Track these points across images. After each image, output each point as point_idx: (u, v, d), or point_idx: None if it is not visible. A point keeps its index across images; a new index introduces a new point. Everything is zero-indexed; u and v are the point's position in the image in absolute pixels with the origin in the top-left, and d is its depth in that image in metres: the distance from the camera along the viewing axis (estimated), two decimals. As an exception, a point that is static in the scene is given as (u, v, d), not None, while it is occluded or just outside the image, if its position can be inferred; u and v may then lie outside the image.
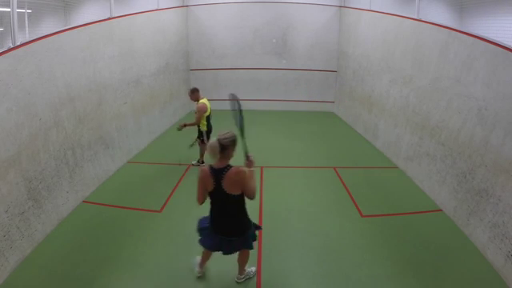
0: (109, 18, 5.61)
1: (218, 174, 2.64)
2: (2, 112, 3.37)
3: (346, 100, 9.39)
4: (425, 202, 4.84)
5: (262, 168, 5.92)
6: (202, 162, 6.00)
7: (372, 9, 7.69)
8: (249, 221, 2.90)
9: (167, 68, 8.29)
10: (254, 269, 3.32)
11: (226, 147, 2.63)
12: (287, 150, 6.92)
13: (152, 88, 7.41)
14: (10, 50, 3.52)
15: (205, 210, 4.61)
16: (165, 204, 4.71)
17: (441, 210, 4.61)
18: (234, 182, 2.62)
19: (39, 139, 3.92)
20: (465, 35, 4.47)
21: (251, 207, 4.63)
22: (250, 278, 3.29)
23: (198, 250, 3.71)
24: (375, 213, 4.56)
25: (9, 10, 3.66)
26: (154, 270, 3.40)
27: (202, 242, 3.04)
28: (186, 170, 5.88)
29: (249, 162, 2.78)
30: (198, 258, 3.32)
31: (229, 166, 2.66)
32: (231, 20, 9.82)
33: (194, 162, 6.07)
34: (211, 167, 2.67)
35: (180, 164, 5.91)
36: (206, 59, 10.13)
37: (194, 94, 5.62)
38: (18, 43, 3.66)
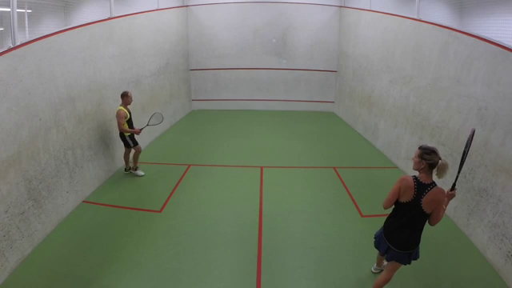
0: (109, 18, 5.62)
1: (422, 188, 2.55)
2: (2, 112, 3.37)
3: (345, 100, 9.39)
4: (425, 202, 4.84)
5: (261, 168, 5.92)
6: (136, 169, 5.71)
7: (372, 9, 7.70)
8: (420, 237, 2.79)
9: (167, 68, 8.29)
10: None
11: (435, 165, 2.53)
12: (287, 150, 6.92)
13: (152, 88, 7.41)
14: (9, 50, 3.52)
15: (204, 210, 4.63)
16: (165, 204, 4.71)
17: (441, 210, 4.61)
18: (433, 201, 2.54)
19: (39, 139, 3.92)
20: (465, 35, 4.47)
21: (251, 207, 4.66)
22: None
23: (198, 249, 3.72)
24: (375, 213, 4.56)
25: (9, 10, 3.66)
26: (155, 270, 3.40)
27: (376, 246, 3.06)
28: (186, 170, 5.87)
29: (451, 194, 2.64)
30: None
31: (434, 184, 2.57)
32: (231, 20, 9.82)
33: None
34: (417, 179, 2.58)
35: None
36: (206, 59, 10.13)
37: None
38: (18, 43, 3.66)
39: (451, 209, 4.43)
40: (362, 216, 4.49)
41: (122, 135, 5.43)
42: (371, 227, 4.22)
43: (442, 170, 2.49)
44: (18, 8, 3.80)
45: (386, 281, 2.89)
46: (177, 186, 5.27)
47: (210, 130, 8.36)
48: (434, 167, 2.51)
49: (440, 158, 2.51)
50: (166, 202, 4.78)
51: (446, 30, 4.88)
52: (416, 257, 2.86)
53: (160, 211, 4.54)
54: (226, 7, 9.74)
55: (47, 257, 3.56)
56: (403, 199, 2.62)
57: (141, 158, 5.83)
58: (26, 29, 5.03)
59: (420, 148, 2.60)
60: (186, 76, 9.97)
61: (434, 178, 2.58)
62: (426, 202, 2.53)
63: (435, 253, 3.73)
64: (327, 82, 10.23)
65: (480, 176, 3.96)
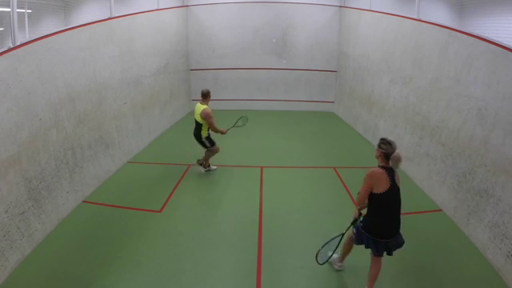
0: (109, 18, 5.61)
1: (390, 171, 2.87)
2: (2, 112, 3.37)
3: (345, 100, 9.39)
4: (425, 202, 4.84)
5: (262, 168, 5.92)
6: (208, 166, 5.75)
7: (372, 9, 7.69)
8: None
9: (167, 68, 8.29)
10: None
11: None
12: (287, 150, 6.92)
13: (152, 88, 7.41)
14: (10, 50, 3.52)
15: (204, 210, 4.62)
16: (165, 204, 4.71)
17: (441, 210, 4.61)
18: (398, 179, 2.92)
19: (39, 139, 3.92)
20: (465, 35, 4.47)
21: (251, 207, 4.66)
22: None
23: (198, 249, 3.72)
24: (375, 213, 4.56)
25: (9, 10, 3.66)
26: (154, 270, 3.40)
27: (359, 243, 3.10)
28: (186, 170, 5.87)
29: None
30: (335, 256, 3.40)
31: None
32: (231, 20, 9.82)
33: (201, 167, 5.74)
34: (383, 167, 2.87)
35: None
36: (206, 59, 10.12)
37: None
38: (18, 43, 3.66)
39: (451, 209, 4.44)
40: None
41: (201, 136, 5.36)
42: (371, 227, 4.23)
43: (395, 161, 2.83)
44: (18, 8, 3.80)
45: (379, 269, 3.04)
46: (177, 185, 5.27)
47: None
48: (389, 157, 2.84)
49: (394, 151, 2.83)
50: (166, 202, 4.77)
51: (446, 29, 4.88)
52: (402, 241, 3.01)
53: (160, 211, 4.54)
54: (226, 7, 9.74)
55: (47, 257, 3.56)
56: (380, 190, 2.82)
57: (141, 158, 5.82)
58: (26, 29, 5.03)
59: (380, 139, 2.95)
60: (186, 76, 9.97)
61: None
62: (397, 180, 2.90)
63: (435, 253, 3.73)
64: (327, 82, 10.22)
65: (480, 176, 3.96)
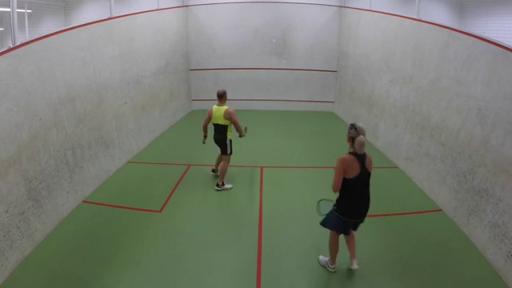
0: (109, 18, 5.61)
1: (362, 158, 3.08)
2: (2, 112, 3.37)
3: (345, 100, 9.39)
4: (425, 202, 4.84)
5: (262, 168, 5.92)
6: (222, 184, 5.26)
7: (372, 9, 7.69)
8: None
9: (167, 68, 8.29)
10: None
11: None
12: (287, 150, 6.92)
13: (152, 88, 7.41)
14: (9, 50, 3.52)
15: (204, 210, 4.62)
16: (165, 204, 4.71)
17: (441, 210, 4.61)
18: (370, 164, 3.14)
19: (39, 139, 3.92)
20: (465, 35, 4.47)
21: (251, 207, 4.66)
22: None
23: (198, 249, 3.72)
24: (375, 213, 4.54)
25: (9, 10, 3.66)
26: (154, 270, 3.40)
27: (338, 229, 3.31)
28: (186, 170, 5.87)
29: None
30: (323, 258, 3.53)
31: (365, 152, 3.13)
32: (231, 20, 9.82)
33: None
34: (353, 153, 3.07)
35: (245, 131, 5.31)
36: (206, 59, 10.13)
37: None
38: (18, 43, 3.66)
39: (451, 209, 4.44)
40: (362, 216, 4.49)
41: (226, 139, 5.13)
42: (371, 227, 4.23)
43: (358, 146, 3.03)
44: (18, 8, 3.80)
45: (354, 240, 3.41)
46: (177, 185, 5.27)
47: (210, 129, 8.32)
48: (361, 144, 3.03)
49: (359, 135, 3.02)
50: (166, 202, 4.77)
51: (446, 29, 4.88)
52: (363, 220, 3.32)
53: (160, 211, 4.54)
54: (226, 7, 9.74)
55: (47, 257, 3.56)
56: (351, 175, 3.04)
57: (141, 158, 5.82)
58: (26, 29, 5.03)
59: (350, 124, 3.17)
60: (186, 76, 9.97)
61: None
62: (367, 166, 3.11)
63: (435, 253, 3.73)
64: (327, 82, 10.22)
65: (480, 176, 3.96)
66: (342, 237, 3.40)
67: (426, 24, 5.47)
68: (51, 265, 3.45)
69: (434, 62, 5.14)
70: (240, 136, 5.25)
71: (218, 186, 5.20)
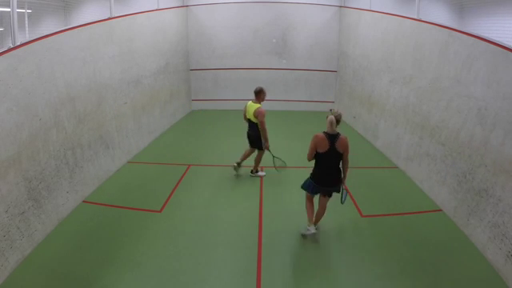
0: (109, 18, 5.61)
1: (333, 138, 3.59)
2: (2, 112, 3.37)
3: (346, 100, 9.39)
4: (425, 202, 4.84)
5: (262, 168, 5.92)
6: (256, 171, 5.65)
7: (372, 9, 7.69)
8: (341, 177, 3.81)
9: (167, 68, 8.29)
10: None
11: (338, 121, 3.63)
12: (287, 150, 6.90)
13: (152, 88, 7.41)
14: (10, 50, 3.52)
15: (204, 210, 4.62)
16: (165, 204, 4.71)
17: (441, 210, 4.61)
18: (341, 145, 3.59)
19: (39, 139, 3.92)
20: (465, 35, 4.47)
21: (251, 207, 4.66)
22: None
23: (198, 249, 3.72)
24: (375, 213, 4.56)
25: (9, 10, 3.66)
26: (154, 270, 3.40)
27: (309, 191, 3.92)
28: (186, 170, 5.87)
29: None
30: (305, 229, 3.91)
31: (339, 134, 3.64)
32: (231, 20, 9.81)
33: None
34: (326, 133, 3.61)
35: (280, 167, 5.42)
36: (206, 59, 10.12)
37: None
38: (18, 43, 3.66)
39: (451, 209, 4.44)
40: (362, 216, 4.49)
41: (259, 136, 5.28)
42: (371, 227, 4.24)
43: (327, 123, 3.60)
44: (18, 8, 3.80)
45: (324, 210, 3.96)
46: (177, 185, 5.27)
47: (210, 129, 8.36)
48: (331, 124, 3.57)
49: (331, 116, 3.58)
50: (166, 202, 4.77)
51: (446, 29, 4.88)
52: (339, 189, 3.86)
53: (160, 211, 4.54)
54: (226, 7, 9.73)
55: (47, 257, 3.56)
56: (320, 150, 3.62)
57: (141, 158, 5.82)
58: (26, 29, 5.03)
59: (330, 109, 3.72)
60: (186, 76, 9.96)
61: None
62: (338, 145, 3.59)
63: (435, 253, 3.73)
64: (327, 81, 10.22)
65: (480, 176, 3.96)
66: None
67: (426, 24, 5.47)
68: (51, 265, 3.45)
69: (434, 62, 5.14)
70: (264, 147, 5.32)
71: (252, 172, 5.63)
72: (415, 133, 5.60)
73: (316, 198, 4.00)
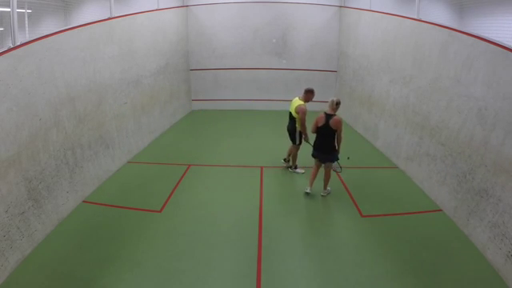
0: (109, 18, 5.61)
1: (329, 117, 4.62)
2: (2, 112, 3.37)
3: (346, 100, 9.35)
4: (425, 202, 4.84)
5: (262, 168, 5.92)
6: (295, 167, 5.81)
7: (372, 9, 7.69)
8: (335, 148, 4.80)
9: (167, 68, 8.29)
10: (329, 189, 5.05)
11: (338, 103, 4.70)
12: (287, 150, 6.91)
13: (152, 88, 7.41)
14: (10, 50, 3.52)
15: (204, 210, 4.63)
16: (165, 204, 4.71)
17: (441, 210, 4.61)
18: (333, 123, 4.57)
19: (39, 139, 3.92)
20: (465, 35, 4.47)
21: (251, 207, 4.66)
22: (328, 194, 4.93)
23: (198, 249, 3.72)
24: (375, 213, 4.57)
25: (9, 10, 3.66)
26: (155, 270, 3.41)
27: (312, 154, 5.00)
28: (186, 170, 5.87)
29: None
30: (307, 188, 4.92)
31: (334, 114, 4.65)
32: (231, 20, 9.81)
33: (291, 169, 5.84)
34: (325, 113, 4.67)
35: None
36: (206, 59, 10.12)
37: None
38: (18, 43, 3.66)
39: (451, 209, 4.44)
40: (362, 216, 4.50)
41: (296, 130, 5.47)
42: (371, 227, 4.24)
43: (328, 104, 4.71)
44: (18, 8, 3.80)
45: (329, 175, 4.94)
46: (177, 185, 5.27)
47: (210, 129, 8.36)
48: (331, 105, 4.67)
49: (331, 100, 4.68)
50: (166, 202, 4.78)
51: (446, 29, 4.88)
52: (334, 159, 4.87)
53: (160, 211, 4.54)
54: (226, 7, 9.73)
55: (47, 257, 3.56)
56: (319, 124, 4.69)
57: (141, 158, 5.81)
58: (26, 29, 5.02)
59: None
60: (186, 76, 9.96)
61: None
62: (331, 123, 4.59)
63: (435, 253, 3.73)
64: (327, 81, 10.21)
65: (480, 176, 3.96)
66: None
67: (425, 24, 5.47)
68: (51, 265, 3.45)
69: (433, 62, 5.14)
70: (303, 139, 5.47)
71: (290, 168, 5.83)
72: (415, 133, 5.60)
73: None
